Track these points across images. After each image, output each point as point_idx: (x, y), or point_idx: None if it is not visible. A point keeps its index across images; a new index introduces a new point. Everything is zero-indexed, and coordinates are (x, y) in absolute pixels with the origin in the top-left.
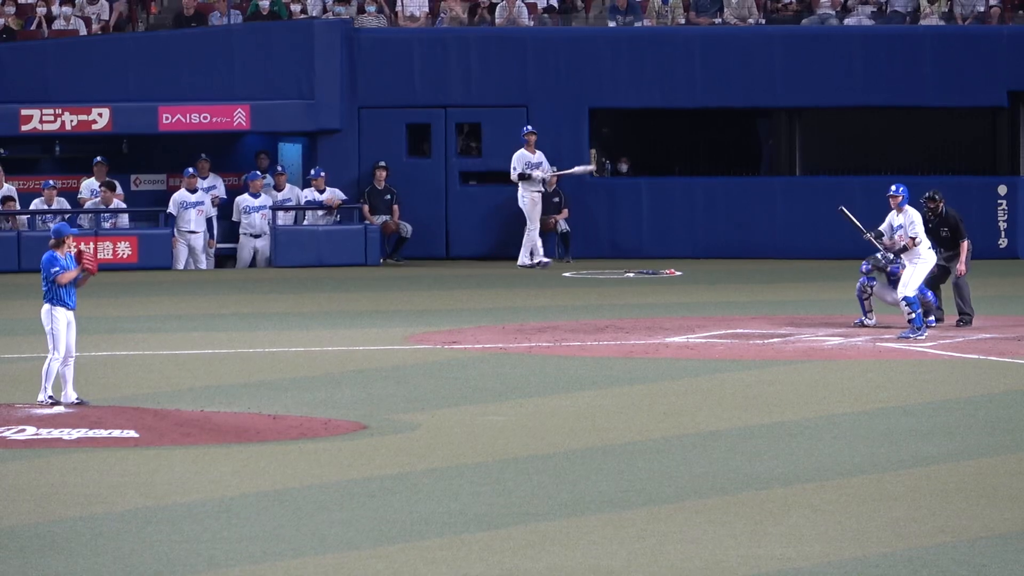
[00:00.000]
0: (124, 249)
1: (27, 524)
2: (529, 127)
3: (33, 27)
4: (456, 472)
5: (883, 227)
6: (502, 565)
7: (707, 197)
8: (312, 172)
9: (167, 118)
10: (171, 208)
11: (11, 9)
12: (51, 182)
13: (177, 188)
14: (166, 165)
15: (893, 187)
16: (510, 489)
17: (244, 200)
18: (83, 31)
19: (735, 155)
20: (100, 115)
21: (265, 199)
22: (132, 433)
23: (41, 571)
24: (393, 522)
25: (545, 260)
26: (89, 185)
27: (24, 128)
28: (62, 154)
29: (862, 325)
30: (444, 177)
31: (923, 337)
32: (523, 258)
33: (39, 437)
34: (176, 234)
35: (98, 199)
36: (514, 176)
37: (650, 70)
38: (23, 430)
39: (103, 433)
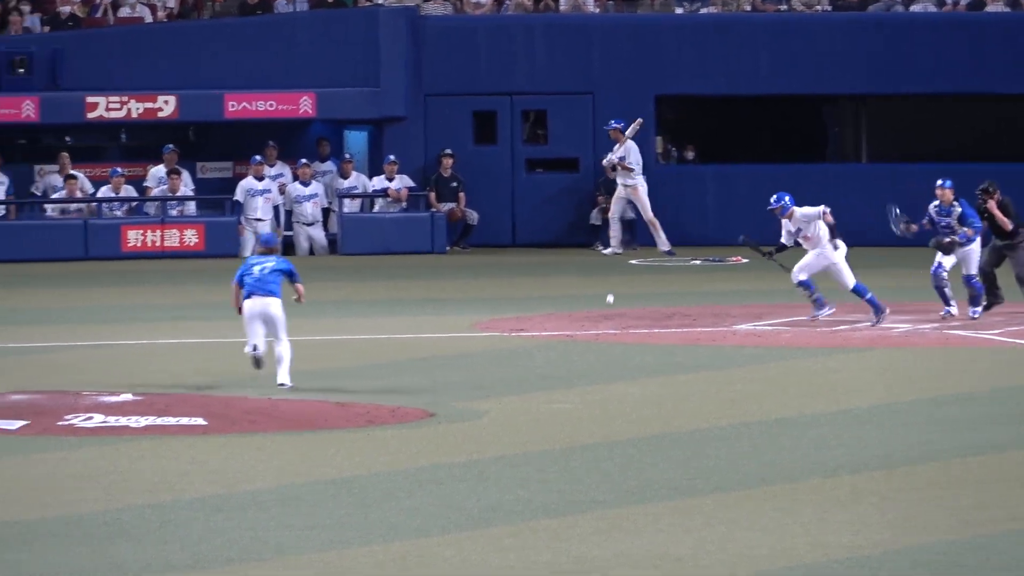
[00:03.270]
0: (191, 237)
1: (95, 512)
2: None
3: (99, 14)
4: (523, 460)
5: (783, 238)
6: (569, 552)
7: (773, 184)
8: (385, 158)
9: (233, 105)
10: (238, 196)
11: None
12: (118, 170)
13: (244, 176)
14: (232, 153)
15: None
16: (577, 477)
17: (295, 189)
18: (148, 18)
19: (800, 142)
20: (166, 103)
21: (316, 187)
22: (200, 421)
23: (109, 559)
24: (461, 510)
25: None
26: (156, 173)
27: (90, 116)
28: (128, 142)
29: (949, 316)
30: (510, 164)
31: (829, 313)
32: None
33: (107, 425)
34: (243, 222)
35: (165, 187)
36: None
37: (716, 57)
38: (91, 418)
39: (171, 421)
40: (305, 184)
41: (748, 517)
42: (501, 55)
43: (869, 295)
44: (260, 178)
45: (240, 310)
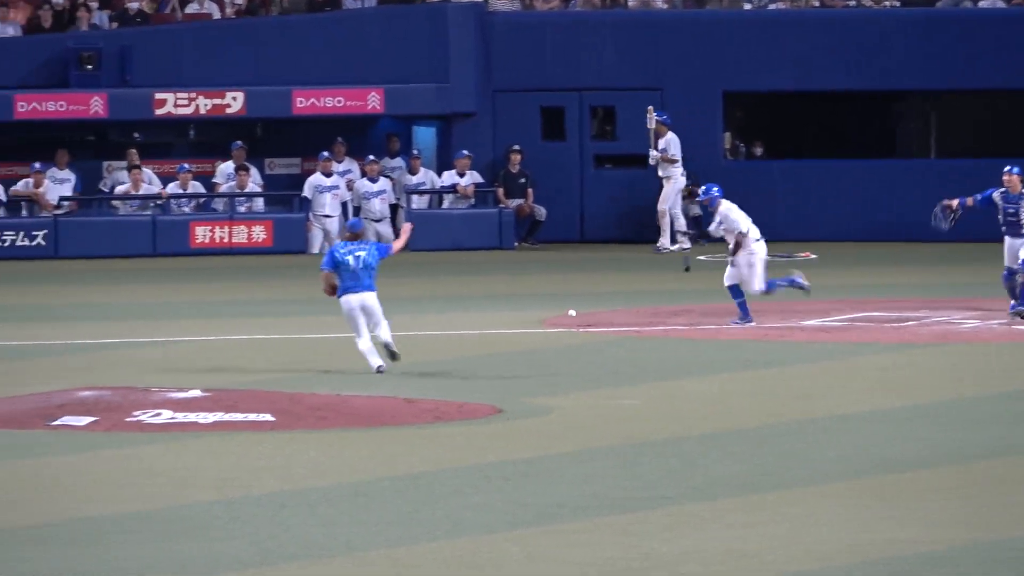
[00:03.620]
0: (259, 233)
1: (163, 508)
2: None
3: (167, 11)
4: (590, 456)
5: (711, 227)
6: (638, 548)
7: (841, 180)
8: (458, 153)
9: (301, 102)
10: (306, 192)
11: None
12: (186, 166)
13: (312, 172)
14: (300, 149)
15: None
16: (644, 473)
17: (363, 185)
18: (216, 15)
19: (869, 138)
20: (234, 99)
21: (384, 183)
22: (268, 417)
23: (178, 555)
24: (528, 506)
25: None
26: (224, 169)
27: (158, 112)
28: (196, 138)
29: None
30: (578, 160)
31: (749, 325)
32: (667, 242)
33: (175, 421)
34: (311, 218)
35: (233, 183)
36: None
37: (784, 53)
38: (159, 414)
39: (239, 417)
40: (373, 180)
41: (815, 513)
42: (569, 51)
43: (741, 299)
44: (328, 174)
45: (330, 292)
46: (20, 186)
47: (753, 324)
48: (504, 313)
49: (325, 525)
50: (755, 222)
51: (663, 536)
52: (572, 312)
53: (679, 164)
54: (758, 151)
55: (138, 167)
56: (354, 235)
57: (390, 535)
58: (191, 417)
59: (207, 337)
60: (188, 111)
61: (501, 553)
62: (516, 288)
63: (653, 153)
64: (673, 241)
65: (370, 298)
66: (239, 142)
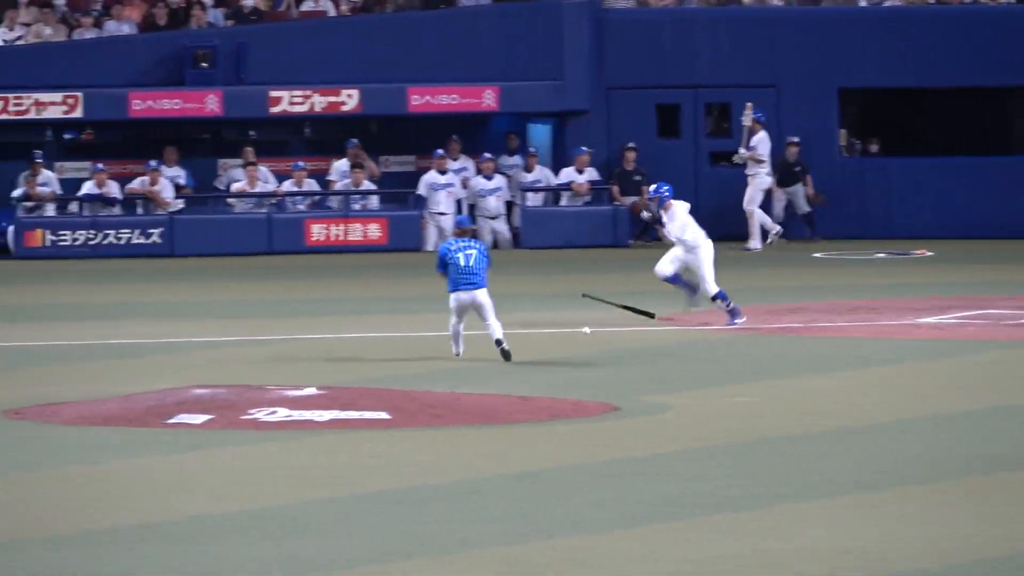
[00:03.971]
0: (374, 231)
1: (279, 505)
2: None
3: (282, 8)
4: (706, 453)
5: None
6: (753, 546)
7: (957, 177)
8: (578, 150)
9: (416, 99)
10: (421, 189)
11: None
12: (300, 163)
13: (427, 169)
14: (415, 146)
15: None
16: (760, 470)
17: (478, 182)
18: (332, 12)
19: (985, 134)
20: (349, 96)
21: (499, 180)
22: (383, 415)
23: (293, 552)
24: (643, 503)
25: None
26: (339, 167)
27: (273, 110)
28: (311, 136)
29: None
30: (693, 158)
31: (741, 321)
32: (757, 243)
33: (291, 419)
34: (425, 216)
35: (348, 181)
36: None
37: (899, 49)
38: (275, 412)
39: (354, 415)
40: (488, 178)
41: (931, 510)
42: (684, 48)
43: (679, 282)
44: (443, 172)
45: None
46: (136, 184)
47: (743, 320)
48: (619, 310)
49: (440, 523)
50: (871, 219)
51: (778, 534)
52: (587, 330)
53: (766, 164)
54: (873, 148)
55: (254, 165)
56: (462, 231)
57: (505, 533)
58: (307, 415)
59: (323, 335)
60: (303, 109)
61: (617, 551)
62: (630, 286)
63: (742, 151)
64: (764, 239)
65: (481, 295)
66: (354, 140)
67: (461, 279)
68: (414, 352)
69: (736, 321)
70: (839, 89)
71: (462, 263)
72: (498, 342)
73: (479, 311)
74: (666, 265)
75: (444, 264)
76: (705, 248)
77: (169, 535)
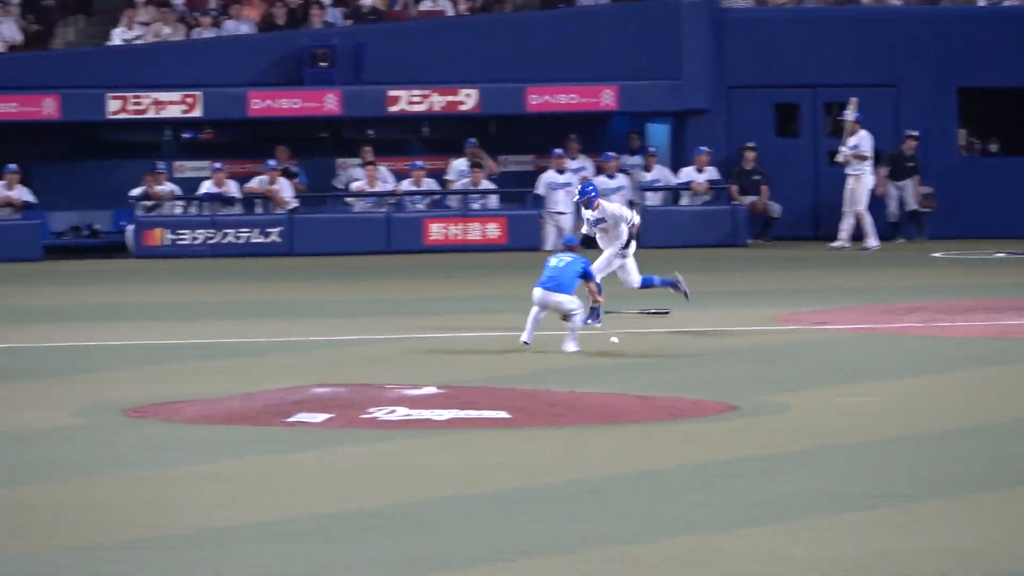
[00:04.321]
0: (493, 230)
1: (398, 504)
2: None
3: (400, 7)
4: (825, 453)
5: (584, 228)
6: (872, 545)
7: None
8: (697, 150)
9: (535, 99)
10: (539, 189)
11: None
12: (419, 163)
13: (545, 169)
14: (533, 146)
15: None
16: (878, 470)
17: (601, 182)
18: (450, 11)
19: None
20: (468, 96)
21: (622, 179)
22: (503, 414)
23: (411, 552)
24: (762, 503)
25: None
26: (457, 166)
27: (392, 109)
28: (429, 135)
29: None
30: (812, 157)
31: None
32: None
33: (410, 418)
34: (544, 215)
35: (467, 180)
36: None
37: (1020, 48)
38: (394, 411)
39: (474, 414)
40: (611, 177)
41: None
42: (803, 47)
43: (658, 280)
44: (561, 171)
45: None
46: (255, 183)
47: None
48: (738, 310)
49: (559, 522)
50: (990, 219)
51: (897, 534)
52: (615, 340)
53: (870, 161)
54: (993, 148)
55: (373, 164)
56: (567, 248)
57: (624, 532)
58: (426, 414)
59: (442, 334)
60: (422, 108)
61: (736, 550)
62: (749, 285)
63: (844, 150)
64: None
65: (556, 297)
66: (472, 139)
67: (546, 280)
68: (533, 351)
69: (590, 321)
70: (958, 89)
71: (552, 263)
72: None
73: (557, 311)
74: (633, 275)
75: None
76: (612, 249)
77: (288, 534)
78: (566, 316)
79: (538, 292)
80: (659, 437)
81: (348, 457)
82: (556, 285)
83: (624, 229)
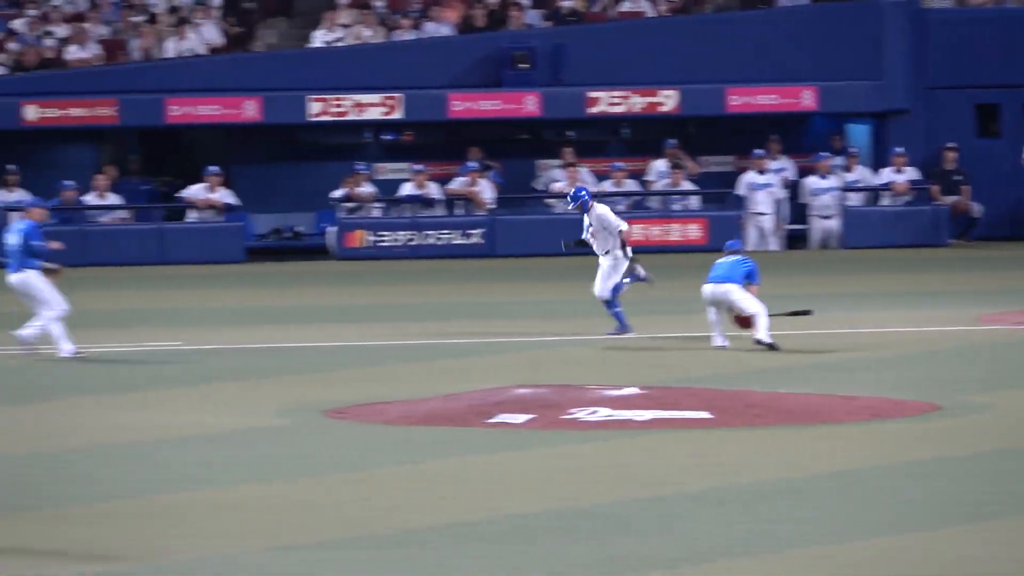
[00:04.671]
0: (694, 231)
1: (600, 504)
2: None
3: (599, 8)
4: None
5: (584, 233)
6: None
7: None
8: (893, 151)
9: (734, 99)
10: (740, 189)
11: None
12: (619, 164)
13: (745, 169)
14: (733, 147)
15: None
16: None
17: (812, 182)
18: (650, 12)
19: None
20: (668, 97)
21: (833, 180)
22: (704, 414)
23: (612, 552)
24: (963, 503)
25: None
26: (657, 167)
27: (591, 111)
28: (629, 136)
29: None
30: (1014, 158)
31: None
32: None
33: (611, 418)
34: (745, 215)
35: (667, 181)
36: None
37: None
38: (595, 411)
39: (675, 414)
40: (823, 177)
41: None
42: (1004, 48)
43: (616, 309)
44: (762, 172)
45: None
46: (455, 185)
47: (632, 334)
48: (940, 310)
49: (760, 522)
50: None
51: None
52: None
53: None
54: None
55: (573, 165)
56: (731, 252)
57: (824, 532)
58: (627, 415)
59: (643, 335)
60: (621, 109)
61: (935, 551)
62: (951, 285)
63: None
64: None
65: (724, 288)
66: (672, 140)
67: (715, 276)
68: (733, 352)
69: (626, 333)
70: None
71: (720, 262)
72: (757, 341)
73: (718, 306)
74: (610, 285)
75: None
76: (609, 261)
77: (488, 534)
78: (744, 318)
79: (707, 288)
80: (859, 437)
81: (549, 458)
82: (724, 278)
83: (613, 236)
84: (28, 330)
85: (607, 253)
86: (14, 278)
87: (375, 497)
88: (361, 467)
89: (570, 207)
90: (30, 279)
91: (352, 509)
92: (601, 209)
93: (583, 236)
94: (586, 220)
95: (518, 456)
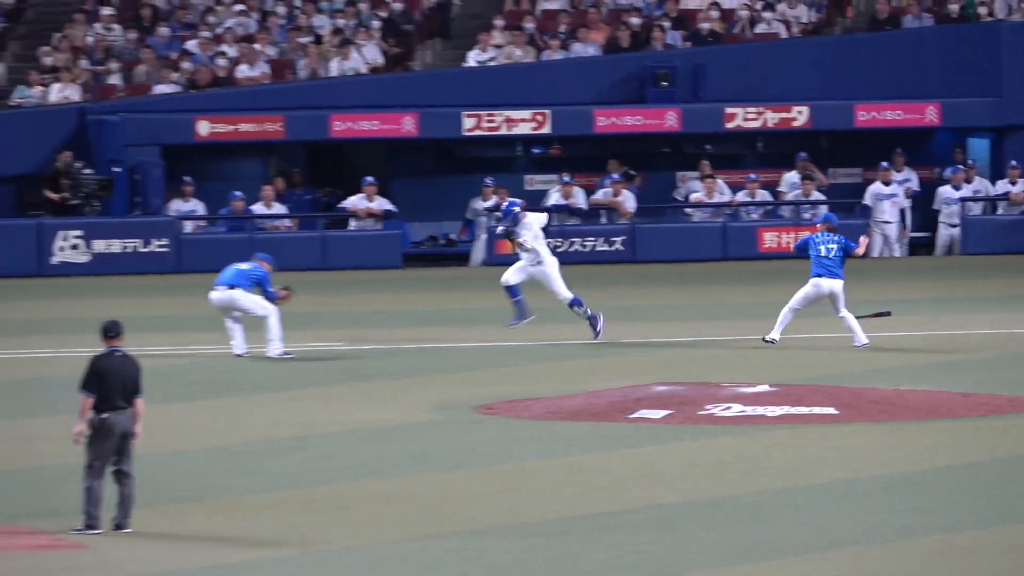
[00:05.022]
0: None
1: (733, 495)
2: None
3: (737, 30)
4: None
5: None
6: None
7: None
8: (1008, 164)
9: (862, 115)
10: (866, 199)
11: (716, 13)
12: (753, 175)
13: (871, 181)
14: (861, 159)
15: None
16: None
17: (945, 192)
18: (783, 34)
19: None
20: (799, 112)
21: (966, 190)
22: (831, 410)
23: (745, 540)
24: None
25: None
26: (789, 179)
27: (728, 125)
28: (763, 150)
29: None
30: None
31: (600, 326)
32: None
33: (745, 414)
34: (871, 224)
35: (798, 191)
36: None
37: None
38: (729, 408)
39: (804, 410)
40: (956, 188)
41: None
42: None
43: (516, 298)
44: (887, 183)
45: None
46: (600, 195)
47: (529, 319)
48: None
49: (884, 512)
50: None
51: None
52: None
53: None
54: None
55: (711, 177)
56: (830, 227)
57: (944, 521)
58: (759, 410)
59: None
60: (756, 124)
61: None
62: None
63: None
64: None
65: (837, 286)
66: (803, 153)
67: (823, 269)
68: (858, 352)
69: (598, 328)
70: None
71: (822, 253)
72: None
73: (833, 302)
74: (513, 274)
75: (805, 248)
76: (550, 263)
77: (629, 523)
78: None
79: (825, 283)
80: (978, 432)
81: (686, 451)
82: (838, 274)
83: (541, 243)
84: (274, 347)
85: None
86: (224, 295)
87: (522, 488)
88: (509, 460)
89: (504, 222)
90: (236, 295)
91: (501, 499)
92: (531, 217)
93: (498, 230)
94: (518, 228)
95: (657, 450)
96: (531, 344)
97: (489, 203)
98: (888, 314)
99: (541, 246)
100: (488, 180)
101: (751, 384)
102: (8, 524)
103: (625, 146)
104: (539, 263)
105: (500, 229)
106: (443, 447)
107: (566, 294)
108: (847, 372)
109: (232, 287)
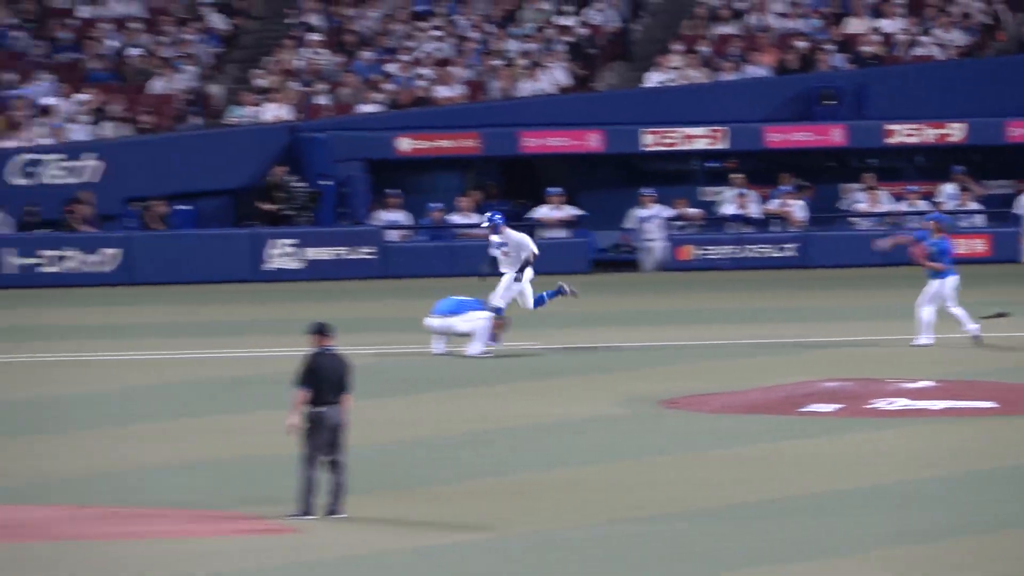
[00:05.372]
0: (978, 245)
1: (894, 484)
2: None
3: (896, 53)
4: None
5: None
6: None
7: None
8: None
9: (1014, 131)
10: (1018, 209)
11: (877, 37)
12: (913, 187)
13: (1023, 192)
14: (1013, 172)
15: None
16: None
17: None
18: (939, 55)
19: None
20: (955, 129)
21: None
22: (991, 404)
23: (902, 525)
24: None
25: None
26: (946, 190)
27: (889, 141)
28: (922, 163)
29: None
30: None
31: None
32: None
33: (909, 408)
34: (1022, 231)
35: (955, 202)
36: None
37: None
38: (894, 402)
39: (965, 404)
40: None
41: None
42: None
43: (546, 295)
44: None
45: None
46: (772, 205)
47: (572, 290)
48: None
49: (989, 505)
50: None
51: None
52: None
53: None
54: None
55: (874, 188)
56: (940, 228)
57: None
58: (922, 404)
59: (938, 335)
60: (915, 140)
61: None
62: None
63: None
64: None
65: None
66: (959, 166)
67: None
68: (1012, 349)
69: (491, 343)
70: None
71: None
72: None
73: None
74: (528, 300)
75: (946, 252)
76: (510, 278)
77: (799, 508)
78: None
79: (950, 281)
80: None
81: (854, 443)
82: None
83: (524, 256)
84: (474, 346)
85: (518, 270)
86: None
87: (702, 476)
88: (690, 450)
89: (484, 226)
90: (453, 323)
91: (681, 487)
92: (516, 233)
93: (494, 255)
94: (496, 239)
95: (827, 441)
96: (709, 343)
97: (649, 211)
98: (1007, 315)
99: (516, 262)
100: (646, 190)
101: (914, 380)
102: (227, 510)
103: (794, 160)
104: (519, 274)
105: (495, 244)
106: (629, 438)
107: (499, 302)
108: (1003, 367)
109: (449, 315)
